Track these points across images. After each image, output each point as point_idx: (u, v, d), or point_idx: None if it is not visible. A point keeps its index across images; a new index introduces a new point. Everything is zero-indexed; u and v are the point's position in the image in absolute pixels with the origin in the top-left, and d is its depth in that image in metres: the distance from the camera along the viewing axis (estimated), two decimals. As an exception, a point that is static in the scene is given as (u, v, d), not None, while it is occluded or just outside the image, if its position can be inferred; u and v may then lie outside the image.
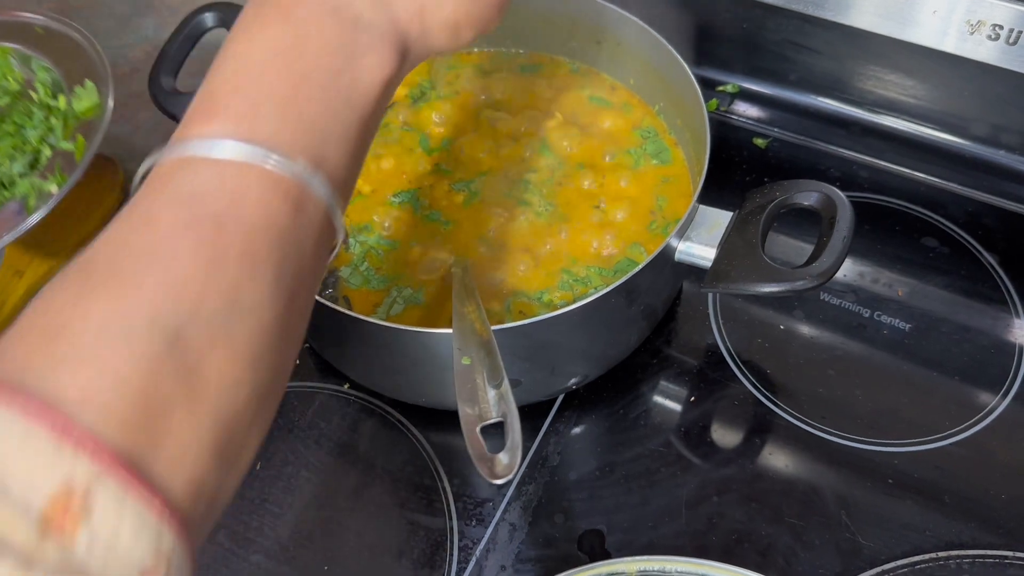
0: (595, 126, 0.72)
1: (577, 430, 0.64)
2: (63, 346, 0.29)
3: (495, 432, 0.48)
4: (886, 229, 0.73)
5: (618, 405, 0.65)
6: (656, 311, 0.66)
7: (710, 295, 0.70)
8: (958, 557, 0.57)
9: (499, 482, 0.47)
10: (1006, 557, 0.56)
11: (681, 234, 0.59)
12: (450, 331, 0.54)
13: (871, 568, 0.56)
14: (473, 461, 0.47)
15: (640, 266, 0.56)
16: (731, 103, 0.83)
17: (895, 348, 0.66)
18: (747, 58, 0.82)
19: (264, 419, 0.34)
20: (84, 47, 0.72)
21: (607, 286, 0.55)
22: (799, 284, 0.55)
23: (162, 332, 0.30)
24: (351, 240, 0.66)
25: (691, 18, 0.80)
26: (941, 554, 0.57)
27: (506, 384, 0.50)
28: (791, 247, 0.71)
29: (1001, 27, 0.65)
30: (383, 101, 0.39)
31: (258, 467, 0.62)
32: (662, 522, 0.59)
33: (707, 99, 0.66)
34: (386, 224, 0.67)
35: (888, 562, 0.56)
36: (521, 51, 0.79)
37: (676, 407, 0.65)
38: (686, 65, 0.67)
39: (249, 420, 0.32)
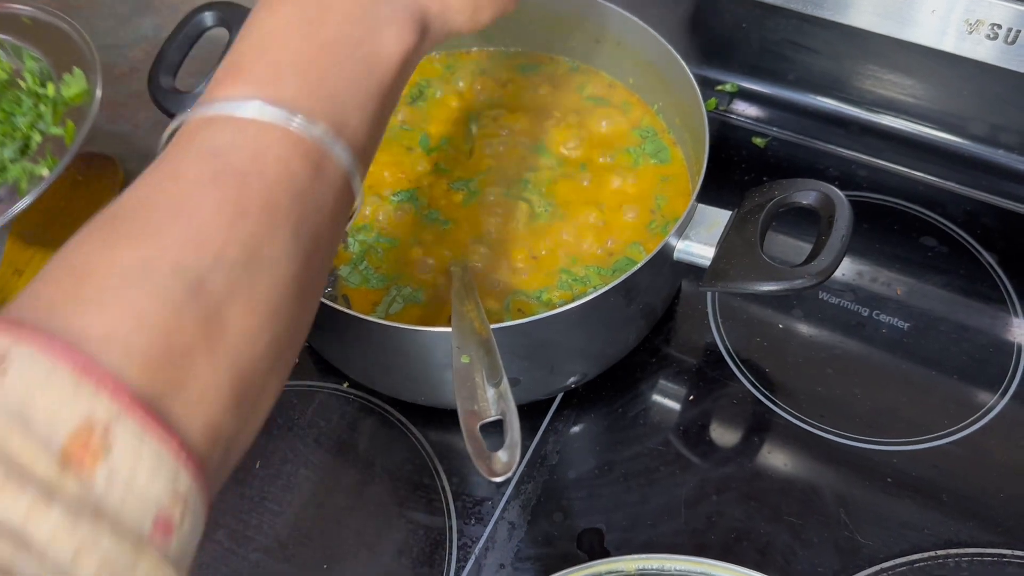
0: (594, 125, 0.72)
1: (576, 429, 0.64)
2: (88, 290, 0.30)
3: (494, 430, 0.48)
4: (885, 228, 0.73)
5: (617, 404, 0.65)
6: (655, 310, 0.66)
7: (709, 294, 0.70)
8: (956, 555, 0.57)
9: (498, 480, 0.47)
10: (1004, 555, 0.57)
11: (680, 233, 0.59)
12: (449, 330, 0.54)
13: (870, 566, 0.56)
14: (472, 459, 0.47)
15: (639, 265, 0.56)
16: (730, 102, 0.83)
17: (894, 347, 0.66)
18: (746, 57, 0.82)
19: (281, 372, 0.35)
20: (72, 36, 0.74)
21: (606, 285, 0.55)
22: (798, 283, 0.55)
23: (185, 279, 0.31)
24: (350, 239, 0.66)
25: (690, 17, 0.80)
26: (940, 552, 0.57)
27: (505, 383, 0.50)
28: (790, 246, 0.71)
29: (1000, 26, 0.65)
30: (403, 75, 0.40)
31: (257, 465, 0.62)
32: (661, 520, 0.59)
33: (706, 98, 0.66)
34: (385, 223, 0.67)
35: (887, 560, 0.57)
36: (520, 50, 0.79)
37: (675, 406, 0.65)
38: (685, 64, 0.67)
39: (266, 371, 0.33)
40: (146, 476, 0.28)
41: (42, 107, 0.70)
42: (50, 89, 0.71)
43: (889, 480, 0.60)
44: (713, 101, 0.83)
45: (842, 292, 0.69)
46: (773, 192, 0.59)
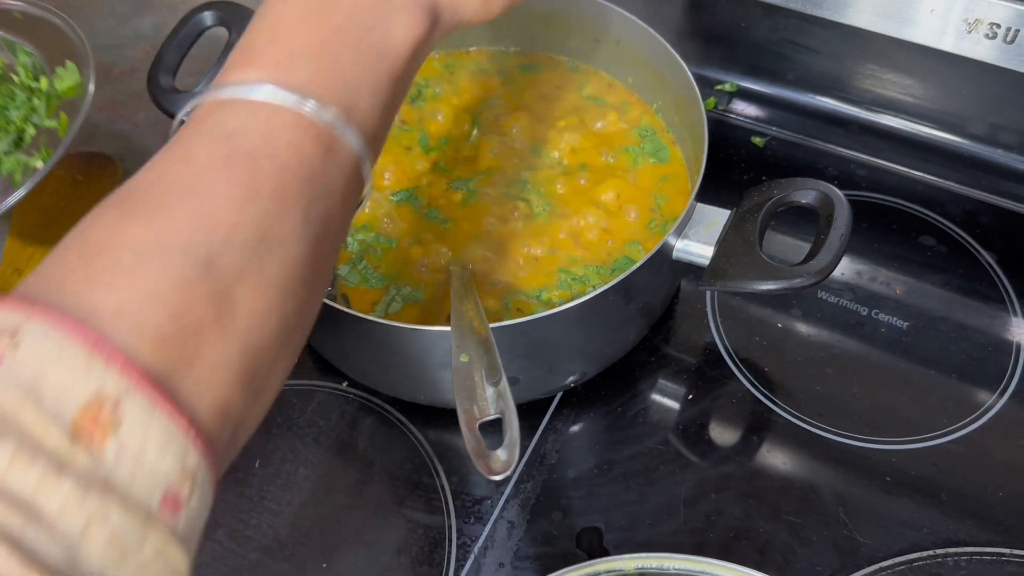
0: (593, 125, 0.72)
1: (575, 428, 0.64)
2: (99, 266, 0.30)
3: (493, 429, 0.49)
4: (884, 227, 0.73)
5: (616, 403, 0.65)
6: (654, 309, 0.66)
7: (708, 293, 0.70)
8: (955, 554, 0.57)
9: (497, 478, 0.47)
10: (1003, 554, 0.57)
11: (679, 232, 0.59)
12: (448, 329, 0.54)
13: (869, 565, 0.56)
14: (471, 458, 0.47)
15: (638, 264, 0.56)
16: (729, 102, 0.83)
17: (893, 346, 0.66)
18: (745, 57, 0.82)
19: (289, 354, 0.35)
20: (64, 31, 0.74)
21: (605, 284, 0.55)
22: (797, 282, 0.55)
23: (196, 257, 0.31)
24: (349, 239, 0.66)
25: (689, 17, 0.80)
26: (939, 551, 0.57)
27: (504, 382, 0.50)
28: (789, 245, 0.71)
29: (998, 25, 0.65)
30: (414, 63, 0.40)
31: (256, 465, 0.62)
32: (660, 520, 0.59)
33: (705, 98, 0.66)
34: (385, 222, 0.67)
35: (886, 559, 0.57)
36: (519, 50, 0.79)
37: (674, 405, 0.65)
38: (684, 64, 0.67)
39: (275, 351, 0.34)
40: (155, 451, 0.28)
41: (35, 101, 0.71)
42: (43, 83, 0.71)
43: (888, 479, 0.60)
44: (712, 100, 0.83)
45: (841, 291, 0.69)
46: (772, 191, 0.59)
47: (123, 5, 0.95)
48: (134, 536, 0.27)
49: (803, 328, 0.68)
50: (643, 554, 0.54)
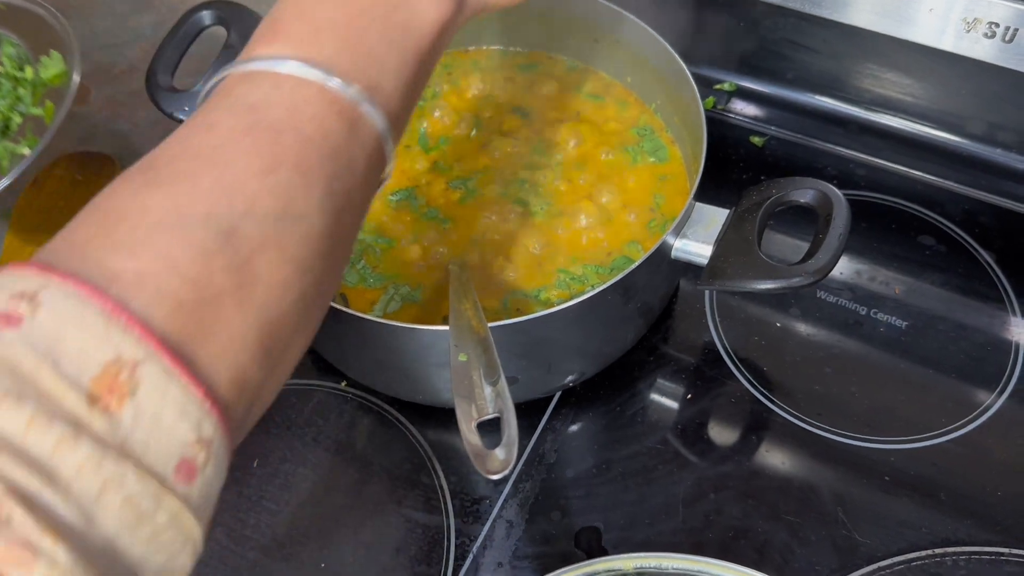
0: (592, 124, 0.72)
1: (574, 427, 0.64)
2: (120, 234, 0.30)
3: (492, 429, 0.48)
4: (883, 227, 0.73)
5: (615, 403, 0.65)
6: (653, 309, 0.66)
7: (707, 292, 0.70)
8: (954, 554, 0.57)
9: (495, 477, 0.47)
10: (1002, 554, 0.57)
11: (678, 231, 0.59)
12: (447, 328, 0.54)
13: (867, 565, 0.56)
14: (470, 457, 0.47)
15: (637, 263, 0.56)
16: (728, 101, 0.83)
17: (892, 346, 0.66)
18: (744, 56, 0.82)
19: (307, 328, 0.35)
20: (49, 21, 0.75)
21: (604, 283, 0.55)
22: (795, 281, 0.55)
23: (216, 227, 0.31)
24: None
25: (688, 16, 0.80)
26: (937, 551, 0.57)
27: (503, 381, 0.50)
28: (787, 245, 0.71)
29: (997, 25, 0.65)
30: (438, 44, 0.40)
31: (255, 464, 0.62)
32: (659, 519, 0.59)
33: (704, 97, 0.67)
34: (384, 221, 0.67)
35: (884, 559, 0.57)
36: (519, 49, 0.79)
37: (673, 405, 0.65)
38: (683, 63, 0.67)
39: (293, 326, 0.33)
40: (171, 418, 0.28)
41: (21, 90, 0.71)
42: (28, 72, 0.72)
43: (887, 479, 0.60)
44: (711, 100, 0.83)
45: (840, 291, 0.69)
46: (771, 191, 0.59)
47: (122, 5, 0.95)
48: (148, 502, 0.27)
49: (802, 328, 0.68)
50: (642, 554, 0.54)
